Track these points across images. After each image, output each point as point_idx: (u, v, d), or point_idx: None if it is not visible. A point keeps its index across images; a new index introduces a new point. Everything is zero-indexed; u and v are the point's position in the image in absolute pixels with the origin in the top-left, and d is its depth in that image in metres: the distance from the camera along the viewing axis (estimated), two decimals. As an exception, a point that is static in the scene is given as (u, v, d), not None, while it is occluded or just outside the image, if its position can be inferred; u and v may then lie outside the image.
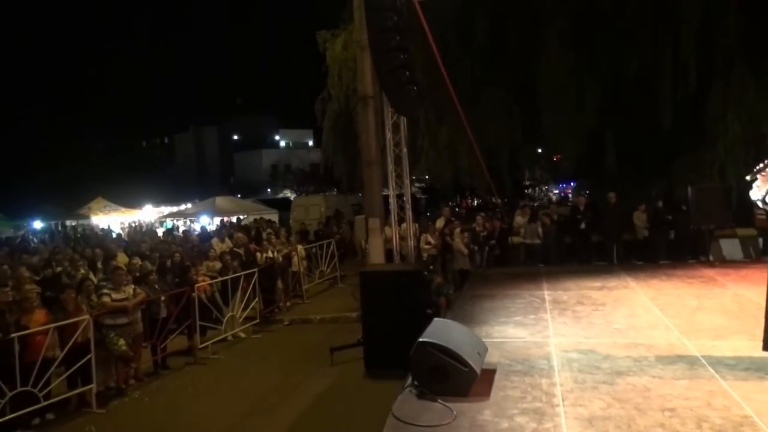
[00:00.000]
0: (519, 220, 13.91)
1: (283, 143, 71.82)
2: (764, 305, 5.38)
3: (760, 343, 5.50)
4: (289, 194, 43.86)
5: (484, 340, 6.10)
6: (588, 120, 17.41)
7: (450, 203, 27.18)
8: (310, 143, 65.06)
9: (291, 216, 23.59)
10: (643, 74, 16.06)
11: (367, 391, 7.61)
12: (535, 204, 31.88)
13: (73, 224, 27.38)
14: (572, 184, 35.80)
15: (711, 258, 11.59)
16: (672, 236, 12.94)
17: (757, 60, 14.83)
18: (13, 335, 6.71)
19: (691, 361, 5.22)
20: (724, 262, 11.39)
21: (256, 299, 11.32)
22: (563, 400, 4.57)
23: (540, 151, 22.92)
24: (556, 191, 41.86)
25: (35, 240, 21.97)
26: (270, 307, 12.15)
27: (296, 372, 8.70)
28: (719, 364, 5.10)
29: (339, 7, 19.09)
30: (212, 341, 9.98)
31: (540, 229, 13.39)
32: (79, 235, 23.39)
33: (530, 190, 35.72)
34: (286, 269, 13.40)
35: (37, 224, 25.79)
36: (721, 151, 15.42)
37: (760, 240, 12.42)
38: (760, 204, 5.34)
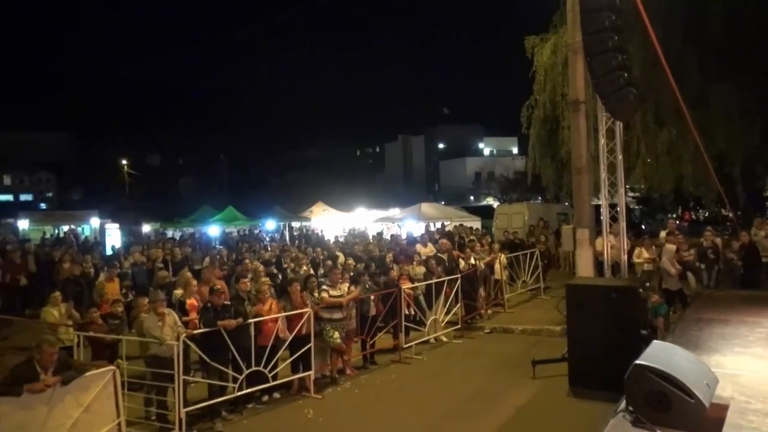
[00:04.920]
0: (756, 231, 12.12)
1: (486, 151, 72.02)
2: None
3: None
4: (491, 202, 43.73)
5: (714, 369, 5.40)
6: None
7: (670, 215, 24.72)
8: (514, 150, 64.27)
9: (494, 224, 23.49)
10: None
11: (571, 410, 7.27)
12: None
13: (298, 225, 30.58)
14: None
15: None
16: None
17: None
18: (250, 321, 7.71)
19: None
20: None
21: (458, 305, 11.48)
22: (819, 453, 3.85)
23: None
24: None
25: (267, 238, 24.97)
26: (471, 314, 12.23)
27: (496, 381, 8.64)
28: None
29: (548, 12, 18.60)
30: (415, 342, 10.36)
31: None
32: (303, 236, 26.04)
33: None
34: (488, 277, 13.38)
35: (270, 224, 29.31)
36: None
37: None
38: None
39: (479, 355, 10.25)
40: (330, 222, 29.10)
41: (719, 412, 4.51)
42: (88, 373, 5.88)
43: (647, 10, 10.07)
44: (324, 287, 8.98)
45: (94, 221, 31.36)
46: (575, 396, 7.63)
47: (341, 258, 12.71)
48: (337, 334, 8.67)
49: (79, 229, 30.69)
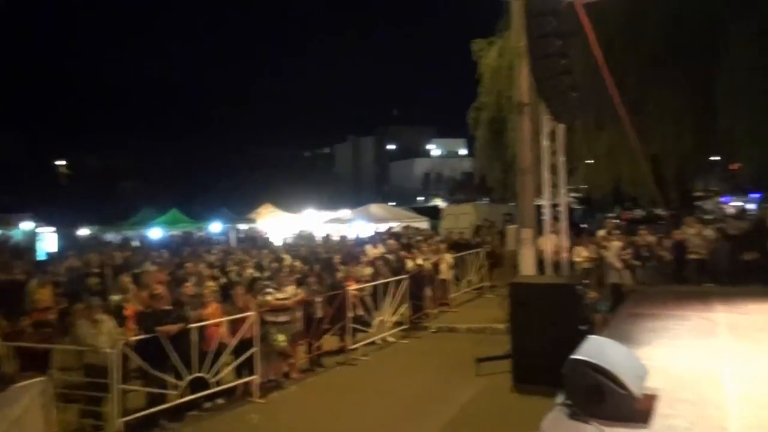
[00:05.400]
0: (686, 229, 12.76)
1: (436, 152, 72.88)
2: None
3: None
4: (440, 203, 44.25)
5: (644, 362, 5.65)
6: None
7: (608, 215, 25.60)
8: (464, 152, 65.32)
9: (441, 224, 23.75)
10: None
11: (513, 405, 7.41)
12: (710, 217, 28.88)
13: (245, 227, 30.04)
14: (755, 195, 31.84)
15: None
16: None
17: None
18: (191, 326, 7.52)
19: None
20: None
21: (405, 305, 11.55)
22: (739, 438, 4.08)
23: (715, 158, 20.75)
24: (734, 203, 37.44)
25: (214, 241, 24.43)
26: (418, 314, 12.33)
27: (442, 380, 8.72)
28: None
29: (495, 16, 18.96)
30: (362, 343, 10.36)
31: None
32: (249, 238, 25.59)
33: (701, 202, 32.30)
34: (434, 277, 13.52)
35: (216, 226, 28.66)
36: None
37: None
38: None
39: (425, 355, 10.33)
40: (277, 224, 28.74)
41: (649, 402, 4.72)
42: (16, 385, 5.59)
43: (589, 17, 10.42)
44: (268, 290, 8.86)
45: (27, 225, 29.85)
46: (518, 392, 7.78)
47: (287, 260, 12.58)
48: (282, 337, 8.56)
49: (11, 233, 29.16)
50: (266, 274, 11.46)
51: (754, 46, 14.94)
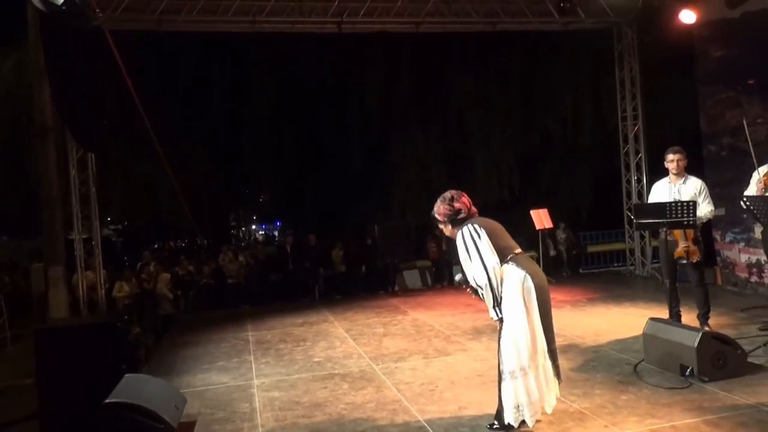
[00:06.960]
0: (223, 257, 13.83)
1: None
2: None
3: (432, 360, 6.44)
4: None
5: (185, 390, 5.78)
6: (289, 163, 18.47)
7: (152, 246, 25.57)
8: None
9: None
10: (336, 125, 17.84)
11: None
12: (243, 244, 32.08)
13: None
14: (277, 224, 37.03)
15: (396, 288, 13.14)
16: (364, 270, 14.23)
17: (426, 116, 17.79)
18: None
19: (378, 384, 5.74)
20: (406, 291, 13.01)
21: None
22: (264, 442, 4.57)
23: (246, 192, 23.28)
24: (262, 231, 42.71)
25: None
26: None
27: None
28: (400, 383, 5.72)
29: (13, 21, 16.63)
30: None
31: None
32: None
33: (235, 231, 35.74)
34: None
35: None
36: (402, 193, 17.95)
37: (433, 269, 14.49)
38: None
39: None
40: None
41: (187, 429, 4.83)
42: None
43: (124, 45, 10.20)
44: None
45: None
46: (50, 454, 6.84)
47: None
48: None
49: None
50: None
51: (270, 94, 17.56)
